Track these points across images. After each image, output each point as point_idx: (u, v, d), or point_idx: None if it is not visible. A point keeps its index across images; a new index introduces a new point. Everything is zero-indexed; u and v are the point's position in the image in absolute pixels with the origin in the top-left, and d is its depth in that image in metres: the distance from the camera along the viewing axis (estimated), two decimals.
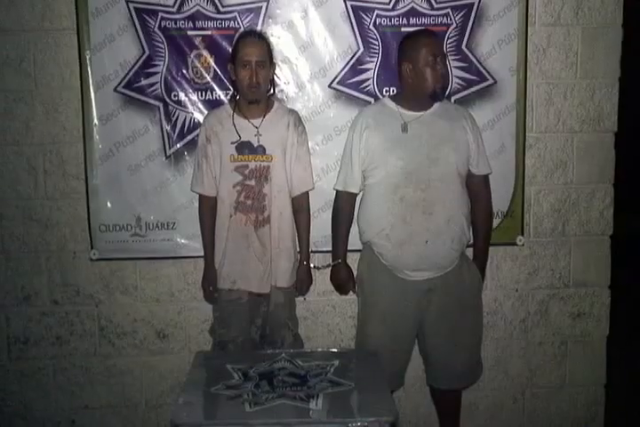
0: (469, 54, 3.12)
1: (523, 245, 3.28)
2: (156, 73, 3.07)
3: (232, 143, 2.81)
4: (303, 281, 2.98)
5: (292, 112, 2.93)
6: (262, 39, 2.83)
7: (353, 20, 3.07)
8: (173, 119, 3.10)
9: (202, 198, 2.93)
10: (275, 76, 2.96)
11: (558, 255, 3.31)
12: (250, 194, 2.82)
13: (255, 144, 2.81)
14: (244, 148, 2.81)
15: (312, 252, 3.00)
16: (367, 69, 3.11)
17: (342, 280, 2.96)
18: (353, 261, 2.96)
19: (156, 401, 3.29)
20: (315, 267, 3.05)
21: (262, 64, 2.76)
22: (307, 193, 2.95)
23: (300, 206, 2.93)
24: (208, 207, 2.90)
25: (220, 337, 2.90)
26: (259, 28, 3.05)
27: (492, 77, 3.14)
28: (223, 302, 2.89)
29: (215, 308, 2.95)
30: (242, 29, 3.03)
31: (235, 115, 2.83)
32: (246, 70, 2.74)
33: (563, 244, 3.31)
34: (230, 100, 2.98)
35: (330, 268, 2.98)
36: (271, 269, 2.85)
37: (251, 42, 2.79)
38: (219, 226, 2.87)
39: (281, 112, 2.89)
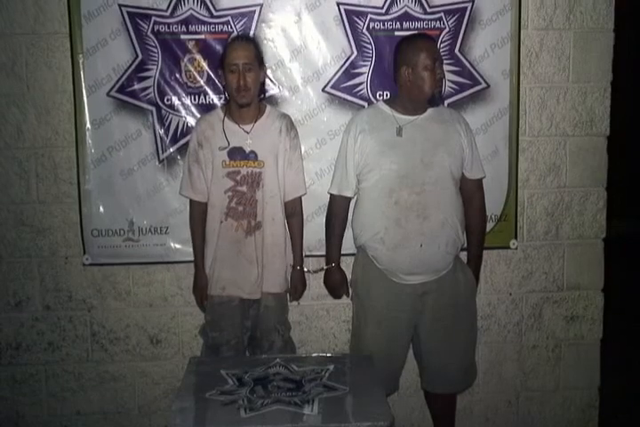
0: (462, 58, 3.13)
1: (516, 248, 3.28)
2: (149, 77, 3.06)
3: (221, 149, 2.78)
4: (297, 286, 2.96)
5: (285, 116, 2.90)
6: (250, 42, 2.82)
7: (346, 24, 3.07)
8: (166, 123, 3.09)
9: (192, 204, 2.91)
10: (266, 80, 2.94)
11: (552, 259, 3.32)
12: (241, 200, 2.80)
13: (247, 150, 2.79)
14: (235, 153, 2.79)
15: (306, 256, 2.99)
16: (361, 73, 3.11)
17: (336, 284, 2.95)
18: (347, 265, 2.95)
19: (149, 407, 3.27)
20: (308, 271, 3.03)
21: (250, 67, 2.73)
22: (299, 198, 2.94)
23: (293, 211, 2.92)
24: (199, 213, 2.88)
25: (213, 340, 2.87)
26: (252, 32, 3.04)
27: (485, 81, 3.15)
28: (215, 306, 2.87)
29: (207, 311, 2.93)
30: (235, 33, 3.02)
31: (226, 119, 2.81)
32: (234, 74, 2.72)
33: (556, 247, 3.32)
34: (223, 105, 2.95)
35: (323, 271, 2.97)
36: (262, 274, 2.83)
37: (237, 45, 2.77)
38: (209, 231, 2.85)
39: (273, 117, 2.86)
